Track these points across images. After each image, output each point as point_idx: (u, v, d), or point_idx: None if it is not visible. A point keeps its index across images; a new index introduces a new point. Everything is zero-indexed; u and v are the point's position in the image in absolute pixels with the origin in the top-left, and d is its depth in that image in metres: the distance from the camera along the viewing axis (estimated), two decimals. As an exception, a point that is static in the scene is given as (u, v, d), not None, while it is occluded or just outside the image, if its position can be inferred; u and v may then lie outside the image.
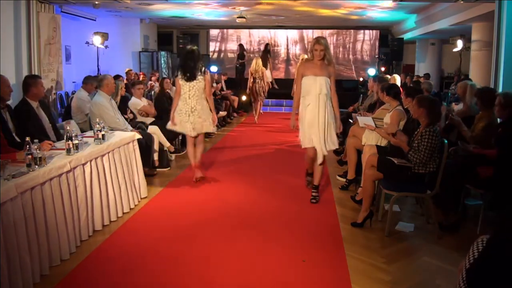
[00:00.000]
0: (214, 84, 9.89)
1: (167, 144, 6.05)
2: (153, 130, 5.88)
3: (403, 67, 15.07)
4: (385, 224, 3.84)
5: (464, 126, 4.45)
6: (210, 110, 5.15)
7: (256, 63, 9.93)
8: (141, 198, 4.56)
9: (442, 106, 5.81)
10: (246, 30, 15.52)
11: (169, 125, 5.22)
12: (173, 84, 8.11)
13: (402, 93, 4.87)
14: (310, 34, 15.33)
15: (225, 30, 15.73)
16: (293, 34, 15.59)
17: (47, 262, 3.02)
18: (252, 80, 9.87)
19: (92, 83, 6.16)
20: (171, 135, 6.47)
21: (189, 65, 4.97)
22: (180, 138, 7.16)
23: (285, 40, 15.64)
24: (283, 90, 13.48)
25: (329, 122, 4.40)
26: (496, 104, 3.93)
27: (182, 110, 5.06)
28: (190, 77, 4.96)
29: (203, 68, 5.06)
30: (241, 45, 14.29)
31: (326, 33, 15.48)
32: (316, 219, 4.17)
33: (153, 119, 6.36)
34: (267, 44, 11.65)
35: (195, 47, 5.17)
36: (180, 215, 4.22)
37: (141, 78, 10.26)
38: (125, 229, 3.87)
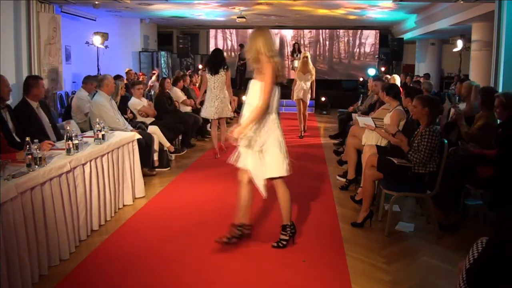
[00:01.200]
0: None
1: (167, 144, 6.05)
2: (153, 130, 5.88)
3: (403, 67, 15.06)
4: (385, 224, 3.84)
5: (463, 121, 4.49)
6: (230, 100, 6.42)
7: None
8: (135, 198, 4.56)
9: (445, 103, 5.83)
10: (247, 30, 15.53)
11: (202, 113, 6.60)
12: (170, 81, 8.13)
13: (402, 93, 4.87)
14: (310, 34, 15.34)
15: (225, 30, 15.72)
16: (293, 34, 15.59)
17: (46, 262, 3.02)
18: None
19: (92, 82, 6.17)
20: (171, 135, 6.47)
21: (214, 62, 6.29)
22: (180, 138, 7.17)
23: (285, 40, 15.64)
24: (283, 90, 13.46)
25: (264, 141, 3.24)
26: (497, 105, 3.92)
27: (209, 98, 6.31)
28: (215, 72, 6.21)
29: (226, 66, 6.31)
30: (241, 45, 14.27)
31: (326, 33, 15.50)
32: (316, 219, 4.16)
33: (153, 119, 6.36)
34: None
35: (219, 49, 6.97)
36: (180, 215, 4.21)
37: (140, 79, 10.25)
38: (125, 229, 3.87)
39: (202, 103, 6.64)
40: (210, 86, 6.25)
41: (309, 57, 8.26)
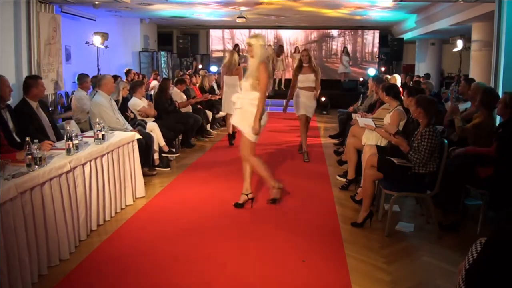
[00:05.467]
0: (214, 85, 9.90)
1: (162, 143, 5.99)
2: (152, 127, 5.85)
3: (403, 67, 15.07)
4: (385, 224, 3.84)
5: (459, 115, 4.52)
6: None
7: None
8: (136, 198, 4.56)
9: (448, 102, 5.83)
10: (247, 30, 15.53)
11: None
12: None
13: (402, 93, 4.87)
14: (310, 34, 15.35)
15: (226, 30, 15.73)
16: (293, 34, 15.59)
17: (46, 262, 3.02)
18: None
19: (86, 80, 6.19)
20: (171, 135, 6.47)
21: None
22: (180, 138, 7.16)
23: (285, 40, 15.65)
24: (283, 90, 13.53)
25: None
26: (500, 101, 3.94)
27: None
28: None
29: None
30: (236, 45, 14.22)
31: (326, 33, 15.50)
32: (316, 219, 4.16)
33: (153, 119, 6.36)
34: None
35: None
36: (180, 215, 4.21)
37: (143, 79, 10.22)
38: (125, 229, 3.87)
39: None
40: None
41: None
